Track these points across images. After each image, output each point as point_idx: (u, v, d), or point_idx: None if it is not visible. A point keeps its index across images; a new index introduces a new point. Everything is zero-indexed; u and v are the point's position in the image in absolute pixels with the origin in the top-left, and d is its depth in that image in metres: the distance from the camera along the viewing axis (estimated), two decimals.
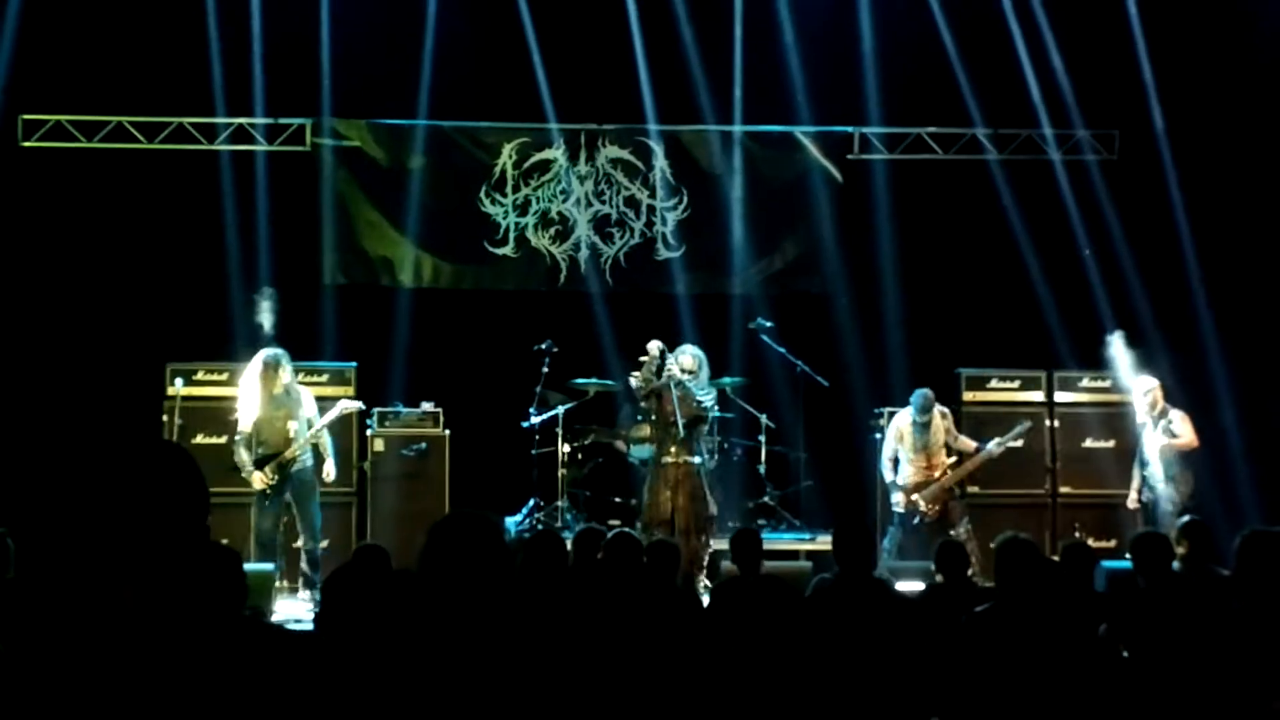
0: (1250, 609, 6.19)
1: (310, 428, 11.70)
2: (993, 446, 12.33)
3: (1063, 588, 6.85)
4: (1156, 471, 12.02)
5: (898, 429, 12.41)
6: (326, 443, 11.84)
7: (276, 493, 11.59)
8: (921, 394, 12.37)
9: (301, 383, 11.99)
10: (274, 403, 11.61)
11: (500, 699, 3.57)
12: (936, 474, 12.24)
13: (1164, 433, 12.07)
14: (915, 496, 12.20)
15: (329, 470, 11.85)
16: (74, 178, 14.27)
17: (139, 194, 14.26)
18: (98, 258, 14.11)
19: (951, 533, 11.77)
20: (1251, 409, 12.49)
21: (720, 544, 11.46)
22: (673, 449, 11.69)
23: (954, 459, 12.35)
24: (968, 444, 12.37)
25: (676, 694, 5.76)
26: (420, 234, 14.68)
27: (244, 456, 11.57)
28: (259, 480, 11.54)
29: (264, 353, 11.69)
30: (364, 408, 12.71)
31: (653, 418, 12.03)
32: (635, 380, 11.94)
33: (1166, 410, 12.17)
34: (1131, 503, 12.22)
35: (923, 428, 12.26)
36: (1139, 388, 12.31)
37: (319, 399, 12.06)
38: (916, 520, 12.11)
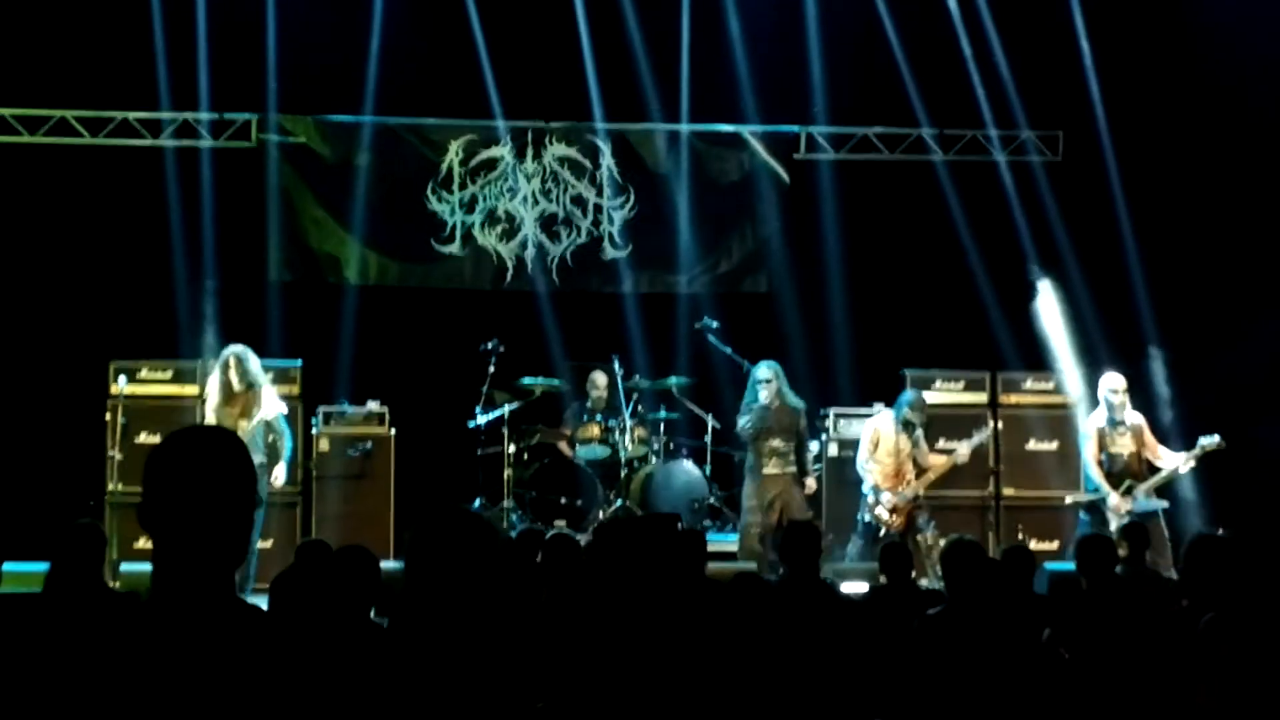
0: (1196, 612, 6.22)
1: (268, 428, 11.63)
2: (961, 451, 12.29)
3: (1004, 590, 6.89)
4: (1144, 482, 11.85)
5: (875, 432, 12.22)
6: (284, 445, 11.77)
7: None
8: (915, 392, 12.41)
9: None
10: (231, 399, 11.58)
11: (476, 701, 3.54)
12: (901, 485, 12.09)
13: (1134, 437, 11.97)
14: (879, 510, 12.07)
15: (278, 473, 11.77)
16: (16, 173, 14.12)
17: (82, 190, 14.12)
18: (40, 254, 13.96)
19: (918, 537, 11.78)
20: (1192, 409, 12.57)
21: None
22: None
23: (918, 471, 12.25)
24: (936, 459, 12.31)
25: (620, 696, 5.75)
26: (366, 231, 14.60)
27: None
28: None
29: (228, 348, 11.71)
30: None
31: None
32: None
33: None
34: (1119, 506, 11.74)
35: (905, 430, 12.09)
36: (1109, 384, 12.01)
37: None
38: (881, 532, 11.95)
